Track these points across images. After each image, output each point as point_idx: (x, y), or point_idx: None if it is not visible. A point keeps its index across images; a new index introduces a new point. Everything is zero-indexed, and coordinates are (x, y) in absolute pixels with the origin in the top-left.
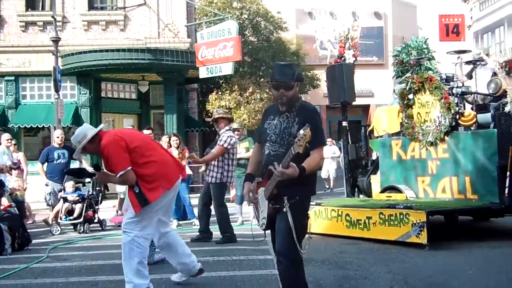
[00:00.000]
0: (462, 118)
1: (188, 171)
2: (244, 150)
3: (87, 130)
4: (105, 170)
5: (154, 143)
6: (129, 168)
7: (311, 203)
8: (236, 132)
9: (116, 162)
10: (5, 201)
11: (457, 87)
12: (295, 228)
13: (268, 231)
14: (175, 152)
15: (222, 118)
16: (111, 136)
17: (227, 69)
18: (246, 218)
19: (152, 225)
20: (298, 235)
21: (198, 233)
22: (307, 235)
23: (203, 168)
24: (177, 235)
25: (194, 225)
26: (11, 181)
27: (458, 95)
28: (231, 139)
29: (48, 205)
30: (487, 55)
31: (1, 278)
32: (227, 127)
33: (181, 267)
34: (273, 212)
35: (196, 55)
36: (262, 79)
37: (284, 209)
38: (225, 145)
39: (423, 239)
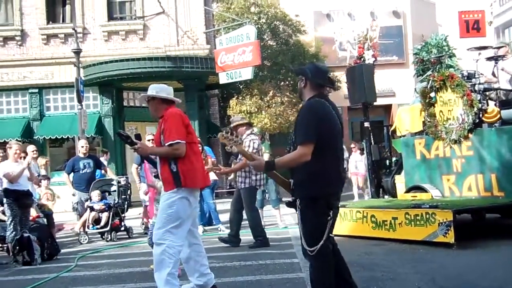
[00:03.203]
0: (486, 115)
1: (213, 176)
2: (267, 155)
3: (171, 93)
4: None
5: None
6: (184, 142)
7: None
8: None
9: (174, 131)
10: (33, 212)
11: (480, 83)
12: (302, 229)
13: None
14: None
15: (240, 125)
16: (177, 110)
17: (247, 74)
18: (270, 222)
19: (182, 234)
20: (307, 236)
21: (227, 235)
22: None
23: (231, 176)
24: (202, 252)
25: (220, 230)
26: (42, 193)
27: (480, 92)
28: (254, 143)
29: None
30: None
31: None
32: (248, 132)
33: (196, 281)
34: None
35: (215, 61)
36: (282, 83)
37: (297, 212)
38: (252, 151)
39: (450, 238)
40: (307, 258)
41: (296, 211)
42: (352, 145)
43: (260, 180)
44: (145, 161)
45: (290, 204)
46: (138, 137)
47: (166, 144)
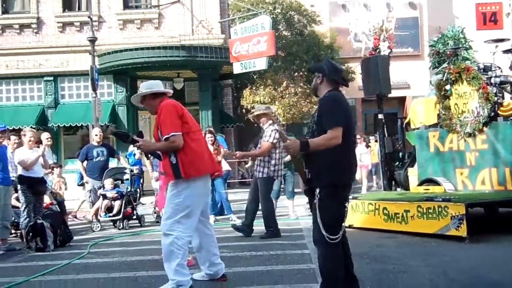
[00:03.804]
0: (501, 108)
1: (226, 166)
2: None
3: (160, 86)
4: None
5: (201, 133)
6: (180, 133)
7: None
8: None
9: (168, 124)
10: (46, 199)
11: (496, 76)
12: (321, 217)
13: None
14: (210, 149)
15: (264, 114)
16: (170, 101)
17: (261, 64)
18: (283, 213)
19: (192, 224)
20: (326, 224)
21: (241, 224)
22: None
23: (249, 163)
24: (214, 242)
25: (231, 220)
26: (54, 181)
27: (496, 85)
28: (276, 133)
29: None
30: None
31: (45, 274)
32: (270, 122)
33: (207, 271)
34: (311, 198)
35: (230, 51)
36: (296, 74)
37: (315, 201)
38: (272, 141)
39: (462, 232)
40: (318, 245)
41: (314, 199)
42: (358, 137)
43: (278, 171)
44: None
45: (307, 192)
46: (141, 134)
47: (163, 139)
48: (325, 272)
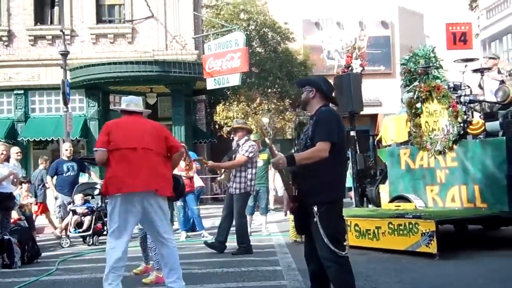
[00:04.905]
0: (471, 127)
1: (199, 182)
2: (262, 162)
3: (135, 104)
4: None
5: (145, 152)
6: (101, 149)
7: None
8: None
9: (97, 140)
10: (14, 215)
11: (465, 95)
12: (326, 234)
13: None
14: (182, 164)
15: (241, 128)
16: (111, 121)
17: (235, 80)
18: (256, 229)
19: (119, 241)
20: (332, 239)
21: (213, 240)
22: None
23: (222, 176)
24: (171, 259)
25: (203, 236)
26: (22, 196)
27: (466, 104)
28: (253, 148)
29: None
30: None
31: None
32: (246, 137)
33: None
34: (298, 214)
35: (203, 67)
36: (269, 90)
37: (315, 219)
38: (249, 155)
39: (433, 248)
40: (328, 262)
41: (309, 217)
42: None
43: (253, 186)
44: None
45: (296, 210)
46: None
47: None
48: (348, 286)
